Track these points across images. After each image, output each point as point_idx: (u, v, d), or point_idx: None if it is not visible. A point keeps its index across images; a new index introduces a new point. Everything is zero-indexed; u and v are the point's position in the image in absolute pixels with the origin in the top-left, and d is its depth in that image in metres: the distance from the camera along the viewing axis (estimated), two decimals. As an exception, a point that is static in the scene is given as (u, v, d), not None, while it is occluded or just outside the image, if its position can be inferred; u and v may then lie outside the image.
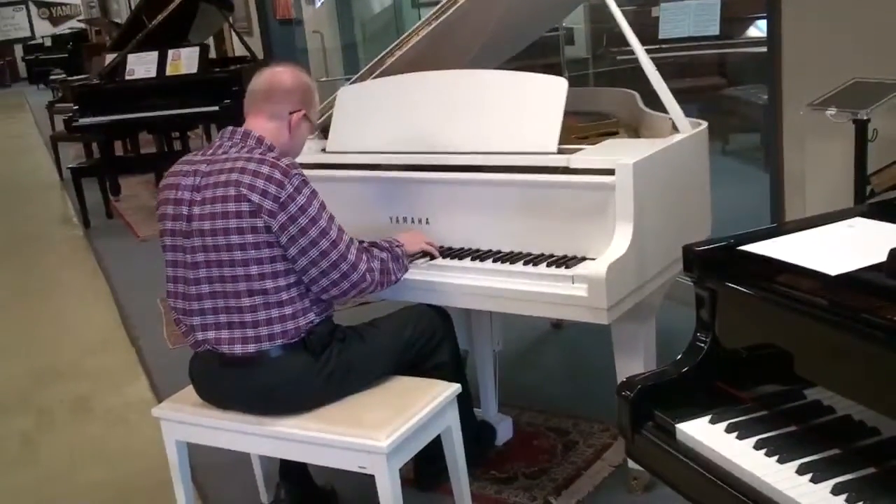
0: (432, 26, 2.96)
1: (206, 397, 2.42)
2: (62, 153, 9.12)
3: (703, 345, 1.65)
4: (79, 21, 21.11)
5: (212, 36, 8.97)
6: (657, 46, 5.51)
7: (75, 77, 9.93)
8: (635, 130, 3.09)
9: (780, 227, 1.70)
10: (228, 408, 2.37)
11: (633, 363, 2.51)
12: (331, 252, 2.22)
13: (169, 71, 6.93)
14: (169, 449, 2.53)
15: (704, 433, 1.52)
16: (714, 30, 5.40)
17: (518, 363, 3.63)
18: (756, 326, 1.59)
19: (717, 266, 1.62)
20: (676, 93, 3.20)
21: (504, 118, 2.62)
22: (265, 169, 2.20)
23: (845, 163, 2.99)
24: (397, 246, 2.45)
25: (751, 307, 1.59)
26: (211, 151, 2.33)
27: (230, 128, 2.35)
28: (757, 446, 1.46)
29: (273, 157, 2.24)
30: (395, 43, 3.12)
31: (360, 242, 2.38)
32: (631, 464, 2.64)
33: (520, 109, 2.61)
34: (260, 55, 8.09)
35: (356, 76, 3.12)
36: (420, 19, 7.84)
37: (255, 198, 2.16)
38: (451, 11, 2.90)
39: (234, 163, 2.23)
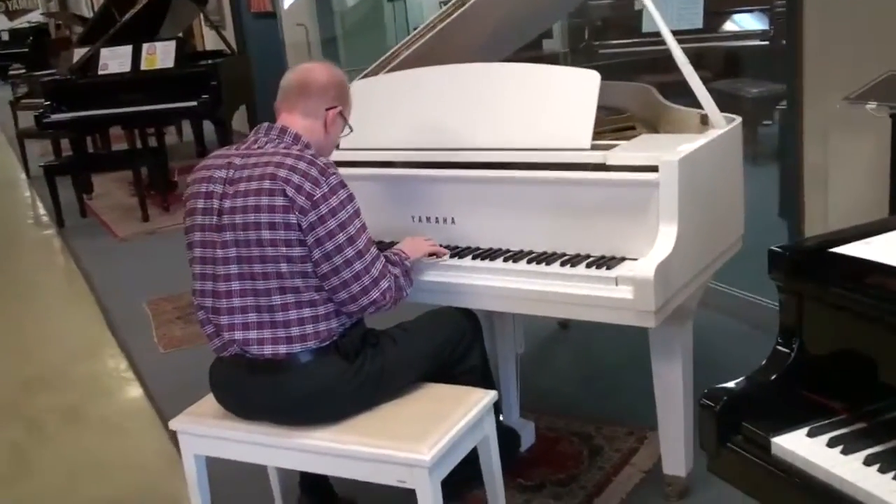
0: (446, 22, 2.86)
1: (229, 406, 2.29)
2: (28, 151, 8.85)
3: (789, 352, 1.56)
4: (41, 15, 20.64)
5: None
6: (641, 40, 5.49)
7: (41, 72, 9.65)
8: (652, 125, 3.01)
9: (871, 227, 1.61)
10: (253, 418, 2.25)
11: (671, 367, 2.43)
12: (355, 262, 2.11)
13: (144, 65, 6.75)
14: (187, 464, 2.39)
15: (804, 447, 1.43)
16: (698, 22, 5.37)
17: (529, 365, 3.53)
18: (848, 333, 1.50)
19: (807, 269, 1.53)
20: (660, 87, 3.14)
21: (534, 113, 2.52)
22: (302, 165, 2.10)
23: (871, 158, 2.93)
24: (406, 258, 2.34)
25: (843, 312, 1.50)
26: (245, 146, 2.24)
27: (266, 123, 2.26)
28: (868, 462, 1.37)
29: (311, 155, 2.15)
30: (409, 38, 3.02)
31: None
32: (665, 469, 2.56)
33: (550, 104, 2.51)
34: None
35: (367, 70, 3.01)
36: (394, 13, 7.71)
37: (290, 192, 2.07)
38: (464, 8, 2.81)
39: (270, 157, 2.14)
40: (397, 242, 2.50)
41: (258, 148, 2.21)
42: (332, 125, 2.30)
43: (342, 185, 2.13)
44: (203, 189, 2.20)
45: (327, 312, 2.15)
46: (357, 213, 2.15)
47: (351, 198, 2.14)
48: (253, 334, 2.15)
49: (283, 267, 2.11)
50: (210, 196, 2.18)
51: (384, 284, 2.17)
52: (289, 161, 2.12)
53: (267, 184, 2.09)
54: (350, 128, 2.38)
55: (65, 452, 3.34)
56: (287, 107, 2.28)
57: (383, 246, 2.55)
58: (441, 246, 2.52)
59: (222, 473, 2.65)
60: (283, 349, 2.14)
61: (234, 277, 2.16)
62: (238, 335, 2.17)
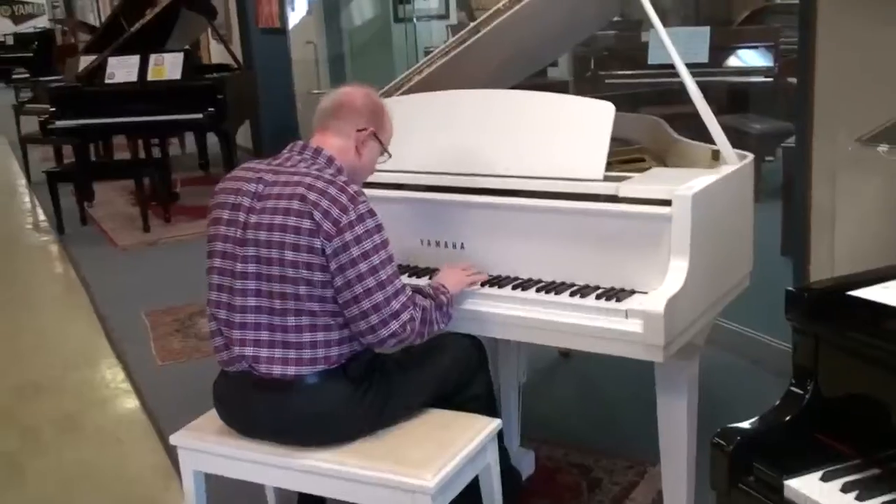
0: (458, 49, 2.88)
1: (232, 422, 2.28)
2: (29, 156, 8.83)
3: (803, 393, 1.56)
4: (49, 21, 20.70)
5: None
6: (646, 71, 5.52)
7: (46, 78, 9.67)
8: (661, 158, 3.02)
9: (888, 271, 1.61)
10: (256, 436, 2.23)
11: (676, 402, 2.41)
12: (376, 293, 2.09)
13: (151, 76, 6.76)
14: (186, 480, 2.37)
15: (818, 491, 1.43)
16: (703, 57, 5.41)
17: (530, 394, 3.52)
18: (864, 377, 1.50)
19: (824, 311, 1.53)
20: (664, 119, 3.15)
21: (547, 142, 2.52)
22: (333, 190, 2.09)
23: (880, 200, 2.94)
24: (443, 293, 2.30)
25: (860, 356, 1.50)
26: (278, 162, 2.23)
27: (300, 142, 2.26)
28: (883, 509, 1.37)
29: (343, 181, 2.14)
30: (421, 63, 3.04)
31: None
32: (666, 505, 2.54)
33: (564, 133, 2.51)
34: (241, 65, 7.94)
35: (381, 92, 3.01)
36: (404, 33, 7.76)
37: (318, 216, 2.06)
38: (478, 36, 2.83)
39: (302, 177, 2.13)
40: (432, 269, 2.51)
41: (291, 166, 2.20)
42: (363, 147, 2.29)
43: (371, 214, 2.11)
44: (230, 200, 2.19)
45: (341, 338, 2.14)
46: (384, 245, 2.12)
47: (379, 228, 2.12)
48: (264, 352, 2.14)
49: (302, 290, 2.09)
50: (237, 208, 2.17)
51: (405, 317, 2.14)
52: (319, 184, 2.10)
53: (296, 204, 2.08)
54: (388, 153, 2.37)
55: (59, 462, 3.31)
56: (321, 127, 2.28)
57: (417, 271, 2.56)
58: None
59: (218, 490, 2.63)
60: (291, 370, 2.13)
61: (251, 293, 2.14)
62: (249, 351, 2.15)
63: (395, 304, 2.12)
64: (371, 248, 2.09)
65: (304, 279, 2.08)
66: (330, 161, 2.21)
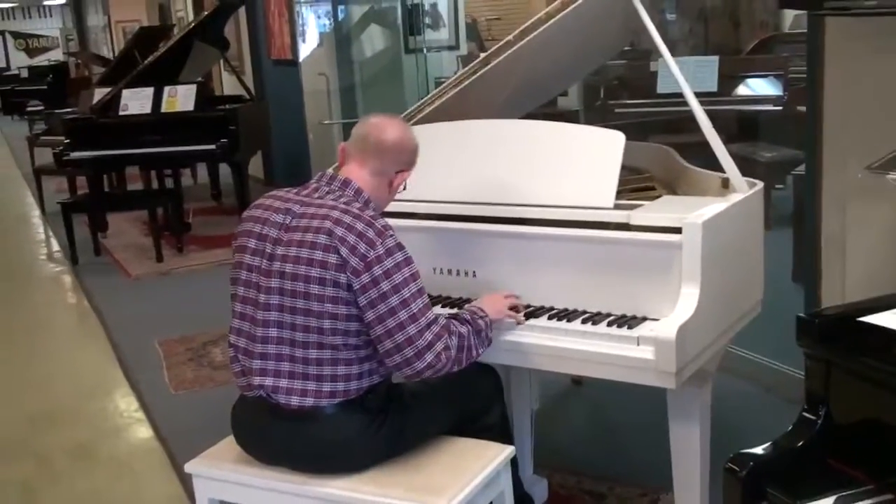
0: (471, 79, 2.91)
1: (248, 447, 2.29)
2: (43, 187, 8.92)
3: (815, 419, 1.57)
4: (63, 54, 20.96)
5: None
6: (655, 100, 5.56)
7: (60, 110, 9.78)
8: (671, 187, 3.04)
9: (899, 298, 1.62)
10: (272, 462, 2.25)
11: (689, 429, 2.42)
12: (408, 325, 2.09)
13: (164, 108, 6.83)
14: (201, 508, 2.38)
15: (831, 516, 1.44)
16: (712, 86, 5.45)
17: (543, 420, 3.53)
18: (876, 403, 1.51)
19: (836, 337, 1.55)
20: (674, 148, 3.18)
21: (558, 171, 2.55)
22: (360, 225, 2.10)
23: (890, 228, 2.95)
24: (481, 318, 2.29)
25: (871, 382, 1.51)
26: (306, 193, 2.24)
27: (329, 172, 2.28)
28: (895, 534, 1.37)
29: (370, 216, 2.14)
30: (435, 91, 3.07)
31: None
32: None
33: (575, 162, 2.54)
34: (253, 97, 8.02)
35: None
36: (415, 64, 7.82)
37: (344, 252, 2.07)
38: (489, 66, 2.86)
39: (329, 210, 2.14)
40: (443, 297, 2.54)
41: (318, 198, 2.20)
42: (397, 186, 2.32)
43: (399, 247, 2.12)
44: (257, 230, 2.20)
45: (360, 372, 2.15)
46: (414, 277, 2.13)
47: (408, 261, 2.12)
48: (283, 383, 2.15)
49: (326, 324, 2.10)
50: (263, 238, 2.18)
51: (439, 346, 2.12)
52: (347, 219, 2.11)
53: (322, 238, 2.09)
54: (405, 186, 2.38)
55: (73, 491, 3.33)
56: (359, 160, 2.26)
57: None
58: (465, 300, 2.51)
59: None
60: (310, 401, 2.14)
61: (273, 325, 2.15)
62: (268, 381, 2.16)
63: (429, 336, 2.11)
64: (401, 282, 2.09)
65: (329, 313, 2.09)
66: (358, 193, 2.22)
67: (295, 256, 2.12)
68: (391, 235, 2.13)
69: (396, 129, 2.31)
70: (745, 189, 2.60)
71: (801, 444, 1.57)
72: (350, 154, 2.29)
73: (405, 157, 2.31)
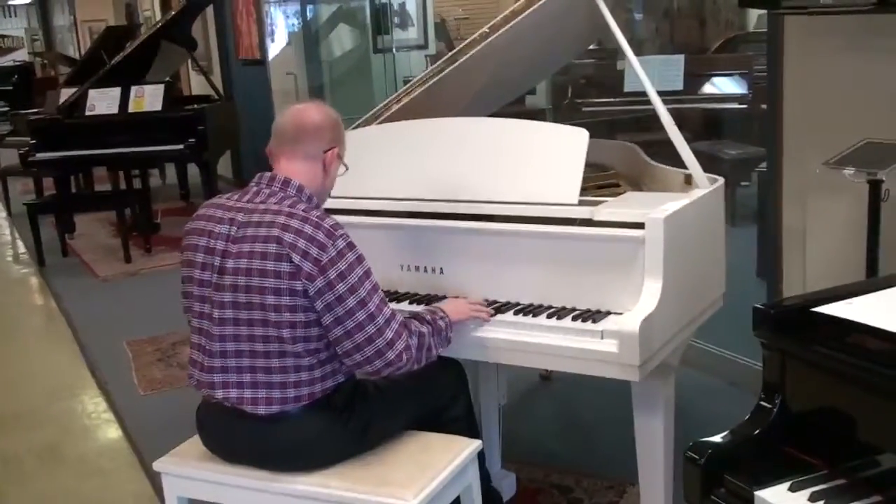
0: (437, 77, 2.94)
1: (215, 449, 2.30)
2: (10, 188, 8.84)
3: (771, 408, 1.61)
4: (29, 54, 20.72)
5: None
6: (622, 99, 5.61)
7: (26, 111, 9.68)
8: (635, 183, 3.08)
9: (854, 288, 1.66)
10: (239, 462, 2.25)
11: (653, 421, 2.45)
12: (367, 325, 2.09)
13: (132, 108, 6.79)
14: (170, 505, 2.39)
15: (787, 501, 1.47)
16: (678, 85, 5.50)
17: (511, 415, 3.56)
18: (829, 390, 1.55)
19: (791, 327, 1.59)
20: (640, 145, 3.23)
21: (523, 167, 2.58)
22: (308, 228, 2.08)
23: (848, 221, 3.01)
24: (441, 318, 2.30)
25: (825, 370, 1.55)
26: (247, 198, 2.20)
27: (267, 174, 2.23)
28: (847, 517, 1.41)
29: (317, 216, 2.12)
30: (400, 91, 3.09)
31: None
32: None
33: (540, 159, 2.57)
34: (221, 95, 7.99)
35: (360, 121, 3.07)
36: (383, 64, 7.82)
37: (296, 258, 2.05)
38: (455, 65, 2.89)
39: (275, 216, 2.11)
40: (411, 294, 2.56)
41: (261, 202, 2.17)
42: (330, 166, 2.27)
43: (350, 247, 2.10)
44: (203, 242, 2.17)
45: (324, 374, 2.15)
46: (367, 275, 2.12)
47: (360, 259, 2.11)
48: (247, 393, 2.14)
49: (286, 332, 2.08)
50: (211, 252, 2.15)
51: (400, 345, 2.13)
52: (294, 223, 2.08)
53: (273, 248, 2.06)
54: (346, 166, 2.36)
55: (42, 492, 3.32)
56: (286, 152, 2.24)
57: (398, 297, 2.59)
58: (442, 296, 2.53)
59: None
60: (276, 407, 2.13)
61: (230, 338, 2.13)
62: (232, 393, 2.15)
63: (389, 333, 2.12)
64: (356, 282, 2.08)
65: (287, 322, 2.08)
66: (300, 191, 2.19)
67: (246, 269, 2.09)
68: (341, 235, 2.10)
69: (310, 109, 2.28)
70: (706, 185, 2.64)
71: (757, 432, 1.61)
72: (276, 153, 2.26)
73: (328, 134, 2.26)
